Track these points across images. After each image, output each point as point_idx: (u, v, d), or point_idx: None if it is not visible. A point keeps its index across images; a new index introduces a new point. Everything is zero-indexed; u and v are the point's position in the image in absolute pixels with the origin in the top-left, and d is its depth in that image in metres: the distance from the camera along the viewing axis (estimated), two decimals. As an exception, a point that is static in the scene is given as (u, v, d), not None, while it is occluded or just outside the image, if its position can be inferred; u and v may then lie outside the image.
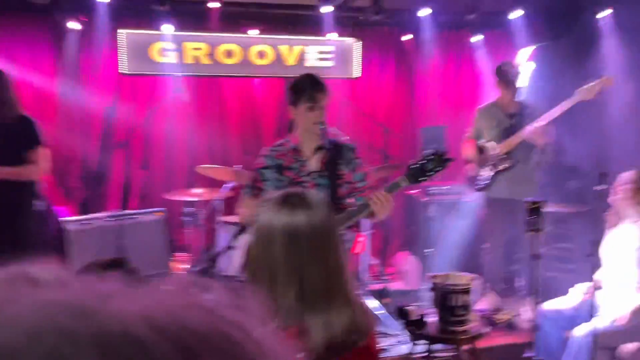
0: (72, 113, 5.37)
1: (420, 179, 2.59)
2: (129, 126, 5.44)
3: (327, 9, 4.40)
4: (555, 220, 4.87)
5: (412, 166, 2.60)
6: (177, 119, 5.58)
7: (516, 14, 4.76)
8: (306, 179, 2.84)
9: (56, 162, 5.34)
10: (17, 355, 0.25)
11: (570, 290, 3.68)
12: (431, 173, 2.57)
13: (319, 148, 2.84)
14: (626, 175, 3.23)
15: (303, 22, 5.59)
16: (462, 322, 2.69)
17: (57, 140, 5.37)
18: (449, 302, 2.66)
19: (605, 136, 5.19)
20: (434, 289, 2.76)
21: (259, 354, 0.31)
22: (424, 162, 2.57)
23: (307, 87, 2.83)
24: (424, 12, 4.54)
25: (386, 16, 5.00)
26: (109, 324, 0.27)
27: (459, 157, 5.35)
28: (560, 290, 4.38)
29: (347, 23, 5.50)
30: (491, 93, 6.07)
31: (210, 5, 4.71)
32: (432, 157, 2.57)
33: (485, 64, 6.10)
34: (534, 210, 2.93)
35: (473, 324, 2.75)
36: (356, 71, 5.83)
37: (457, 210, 5.19)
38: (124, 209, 4.95)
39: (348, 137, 3.14)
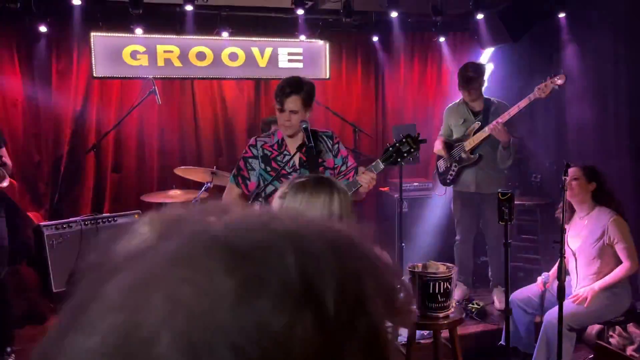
0: (40, 117, 5.31)
1: (397, 160, 2.77)
2: (99, 129, 5.42)
3: (300, 12, 4.50)
4: (518, 213, 5.10)
5: (389, 149, 2.76)
6: (149, 122, 5.59)
7: (478, 17, 4.97)
8: (290, 170, 2.96)
9: (24, 166, 5.30)
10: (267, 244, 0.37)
11: (538, 278, 3.88)
12: (406, 154, 2.75)
13: (301, 146, 2.95)
14: (571, 171, 3.41)
15: (274, 25, 5.68)
16: (443, 309, 2.84)
17: (25, 144, 5.32)
18: (429, 289, 2.80)
19: (564, 131, 5.48)
20: (413, 277, 2.89)
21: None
22: (398, 144, 2.74)
23: (278, 91, 2.96)
24: (393, 15, 4.69)
25: (355, 18, 5.14)
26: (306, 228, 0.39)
27: (428, 154, 5.57)
28: (526, 279, 4.61)
29: (316, 25, 5.62)
30: (457, 92, 6.33)
31: (183, 8, 4.73)
32: (406, 139, 2.73)
33: (450, 64, 6.34)
34: (505, 201, 3.10)
35: (453, 310, 2.90)
36: (326, 72, 5.95)
37: (428, 205, 5.38)
38: (98, 213, 4.93)
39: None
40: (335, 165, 3.08)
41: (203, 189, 4.66)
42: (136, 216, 4.48)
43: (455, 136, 4.58)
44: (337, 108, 5.92)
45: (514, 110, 4.16)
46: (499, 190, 4.52)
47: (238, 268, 0.35)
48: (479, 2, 4.75)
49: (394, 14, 4.67)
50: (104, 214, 4.34)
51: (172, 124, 5.68)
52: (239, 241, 0.36)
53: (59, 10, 4.91)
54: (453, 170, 4.51)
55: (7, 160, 3.79)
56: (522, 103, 4.14)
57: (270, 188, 2.97)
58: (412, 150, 2.77)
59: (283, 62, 5.81)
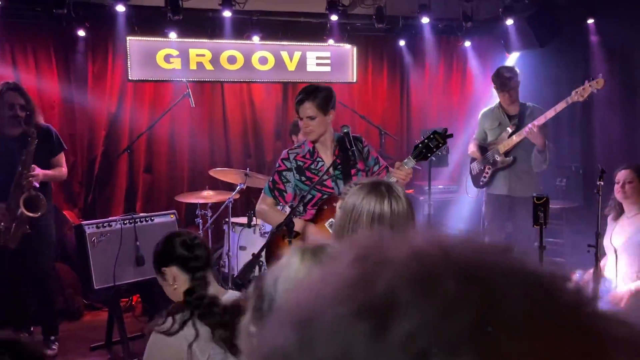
0: (76, 118, 5.45)
1: (427, 156, 2.83)
2: (132, 131, 5.55)
3: (334, 17, 4.60)
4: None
5: (418, 145, 2.84)
6: (180, 124, 5.72)
7: (508, 22, 5.02)
8: (324, 177, 3.04)
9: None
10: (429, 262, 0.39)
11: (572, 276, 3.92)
12: (435, 149, 2.82)
13: (341, 149, 3.03)
14: (624, 173, 3.44)
15: (303, 29, 5.78)
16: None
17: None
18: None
19: (591, 135, 5.52)
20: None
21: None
22: (426, 140, 2.81)
23: (296, 99, 3.03)
24: (424, 20, 4.76)
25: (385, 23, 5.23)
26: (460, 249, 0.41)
27: (456, 157, 5.64)
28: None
29: (344, 29, 5.70)
30: (482, 96, 6.39)
31: (216, 13, 4.85)
32: (434, 135, 2.81)
33: (474, 68, 6.41)
34: (540, 205, 3.17)
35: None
36: (353, 76, 6.05)
37: (454, 207, 5.45)
38: (130, 212, 5.05)
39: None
40: (367, 167, 3.16)
41: (236, 190, 4.77)
42: (172, 216, 4.61)
43: (489, 139, 4.63)
44: (362, 111, 6.00)
45: (550, 114, 4.20)
46: (534, 194, 4.64)
47: (475, 294, 0.36)
48: (509, 8, 4.80)
49: (425, 20, 4.74)
50: (142, 214, 4.45)
51: (202, 126, 5.80)
52: (477, 266, 0.38)
53: (97, 15, 5.04)
54: (486, 173, 4.57)
55: (64, 164, 4.00)
56: (559, 106, 4.17)
57: (308, 197, 3.05)
58: (440, 145, 2.83)
59: (311, 66, 5.91)
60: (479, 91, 6.49)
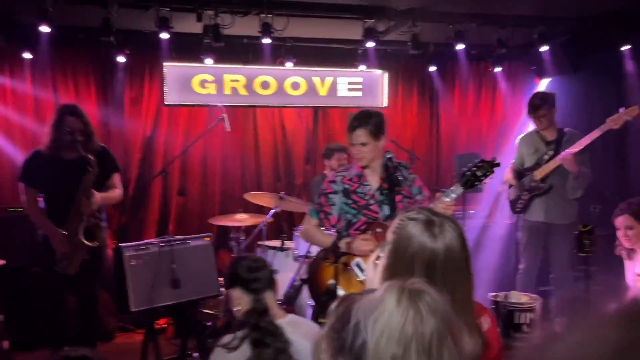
0: (112, 142, 5.54)
1: (474, 184, 2.82)
2: (167, 154, 5.64)
3: (370, 44, 4.66)
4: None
5: (465, 173, 2.83)
6: (213, 147, 5.79)
7: (542, 48, 5.03)
8: (371, 201, 3.05)
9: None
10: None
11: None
12: (483, 178, 2.81)
13: (386, 172, 3.03)
14: (621, 220, 3.34)
15: (334, 55, 5.86)
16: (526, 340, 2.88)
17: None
18: (515, 319, 2.85)
19: (625, 161, 5.47)
20: (496, 307, 2.94)
21: None
22: (474, 169, 2.81)
23: (347, 126, 3.06)
24: (459, 47, 4.80)
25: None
26: None
27: (488, 182, 5.61)
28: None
29: (376, 55, 5.76)
30: (511, 121, 6.38)
31: (253, 40, 4.94)
32: (482, 163, 2.81)
33: (504, 93, 6.41)
34: (586, 233, 3.13)
35: (536, 340, 2.93)
36: (384, 101, 6.09)
37: (488, 232, 5.40)
38: (163, 235, 5.10)
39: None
40: (412, 194, 3.16)
41: (271, 213, 4.80)
42: (207, 239, 4.63)
43: (526, 165, 4.61)
44: (392, 135, 5.99)
45: (585, 141, 4.17)
46: (570, 221, 4.58)
47: None
48: (543, 34, 4.82)
49: (460, 47, 4.78)
50: (178, 237, 4.48)
51: (234, 150, 5.87)
52: None
53: (136, 41, 5.17)
54: (523, 199, 4.53)
55: (119, 185, 4.08)
56: (594, 134, 4.15)
57: (354, 220, 3.06)
58: (487, 173, 2.83)
59: (342, 91, 5.97)
60: (508, 116, 6.48)
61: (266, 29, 4.31)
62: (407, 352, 0.90)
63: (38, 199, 3.91)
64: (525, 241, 4.67)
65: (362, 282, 2.94)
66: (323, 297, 2.86)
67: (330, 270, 2.92)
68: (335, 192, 3.13)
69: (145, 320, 4.49)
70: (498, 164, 2.86)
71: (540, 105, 4.40)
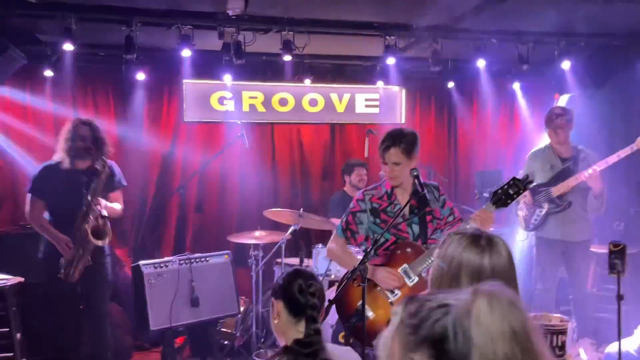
0: (131, 158, 5.55)
1: (507, 203, 2.78)
2: (185, 171, 5.63)
3: (391, 61, 4.64)
4: (601, 262, 4.96)
5: (497, 191, 2.79)
6: (231, 164, 5.78)
7: (564, 65, 4.99)
8: (400, 220, 2.99)
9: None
10: None
11: (636, 331, 3.74)
12: (515, 196, 2.77)
13: (414, 193, 2.99)
14: None
15: (352, 72, 5.86)
16: (559, 362, 2.80)
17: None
18: (547, 342, 2.77)
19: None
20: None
21: None
22: (506, 187, 2.77)
23: (380, 145, 3.02)
24: (480, 64, 4.77)
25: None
26: None
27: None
28: (612, 331, 4.46)
29: (395, 71, 5.74)
30: (530, 137, 6.31)
31: (273, 58, 4.95)
32: (513, 182, 2.76)
33: (522, 109, 6.36)
34: (617, 252, 3.06)
35: (569, 364, 2.85)
36: (401, 117, 6.06)
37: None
38: (182, 252, 5.07)
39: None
40: (442, 216, 3.11)
41: (290, 230, 4.75)
42: (226, 257, 4.60)
43: (539, 181, 4.53)
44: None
45: (612, 159, 4.09)
46: (586, 238, 4.49)
47: None
48: (565, 50, 4.78)
49: (481, 63, 4.75)
50: (197, 254, 4.46)
51: (252, 166, 5.84)
52: None
53: (156, 59, 5.19)
54: (538, 216, 4.44)
55: (118, 204, 4.04)
56: (622, 153, 4.06)
57: (381, 240, 3.00)
58: (520, 192, 2.78)
59: (360, 107, 5.96)
60: (526, 132, 6.43)
61: (287, 46, 4.31)
62: (513, 348, 0.94)
63: (44, 210, 3.90)
64: (543, 259, 4.56)
65: (392, 303, 2.88)
66: (353, 319, 2.81)
67: (358, 291, 2.87)
68: (363, 211, 3.08)
69: (162, 338, 4.45)
70: (531, 182, 2.82)
71: (560, 114, 4.34)
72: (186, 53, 4.28)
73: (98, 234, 3.81)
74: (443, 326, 0.98)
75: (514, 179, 2.81)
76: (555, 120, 4.32)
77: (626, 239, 5.39)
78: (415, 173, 2.99)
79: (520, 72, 5.52)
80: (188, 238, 5.63)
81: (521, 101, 6.28)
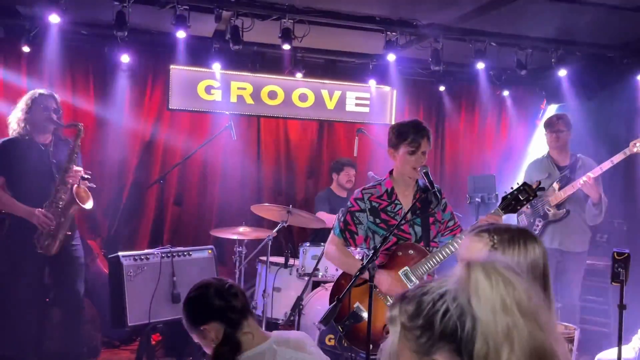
0: (108, 145, 5.26)
1: (517, 208, 2.72)
2: (165, 161, 5.37)
3: (392, 58, 4.52)
4: (589, 274, 4.96)
5: (507, 197, 2.71)
6: (213, 156, 5.55)
7: (561, 73, 4.98)
8: (402, 221, 2.86)
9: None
10: None
11: (634, 338, 3.72)
12: (525, 202, 2.71)
13: (422, 190, 2.86)
14: None
15: (345, 69, 5.73)
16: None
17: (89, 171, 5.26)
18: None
19: (633, 189, 5.40)
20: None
21: None
22: (516, 192, 2.69)
23: (411, 131, 2.89)
24: (479, 66, 4.70)
25: (424, 67, 5.19)
26: None
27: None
28: (600, 342, 4.45)
29: (389, 71, 5.64)
30: (516, 144, 6.32)
31: (261, 47, 4.77)
32: (524, 187, 2.68)
33: (510, 117, 6.36)
34: (621, 261, 3.00)
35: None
36: (391, 118, 5.97)
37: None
38: (158, 245, 4.82)
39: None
40: (443, 219, 3.00)
41: (277, 227, 4.57)
42: (209, 252, 4.38)
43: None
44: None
45: (606, 165, 4.08)
46: (584, 249, 4.47)
47: None
48: (561, 59, 4.77)
49: (480, 66, 4.68)
50: (180, 248, 4.22)
51: (235, 160, 5.63)
52: None
53: (141, 41, 4.93)
54: (537, 226, 4.40)
55: None
56: (616, 158, 4.05)
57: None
58: (530, 197, 2.71)
59: (350, 106, 5.84)
60: (512, 139, 6.43)
61: (286, 35, 4.13)
62: (514, 317, 0.91)
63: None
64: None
65: None
66: (347, 320, 2.68)
67: (355, 292, 2.73)
68: (362, 210, 2.93)
69: (136, 335, 4.19)
70: (543, 188, 2.75)
71: (560, 117, 4.34)
72: (181, 34, 4.06)
73: (81, 197, 3.66)
74: (453, 315, 0.94)
75: (524, 184, 2.72)
76: (557, 123, 4.30)
77: (609, 251, 5.43)
78: (425, 170, 2.87)
79: (510, 79, 5.51)
80: (166, 231, 5.36)
81: (509, 109, 6.28)
